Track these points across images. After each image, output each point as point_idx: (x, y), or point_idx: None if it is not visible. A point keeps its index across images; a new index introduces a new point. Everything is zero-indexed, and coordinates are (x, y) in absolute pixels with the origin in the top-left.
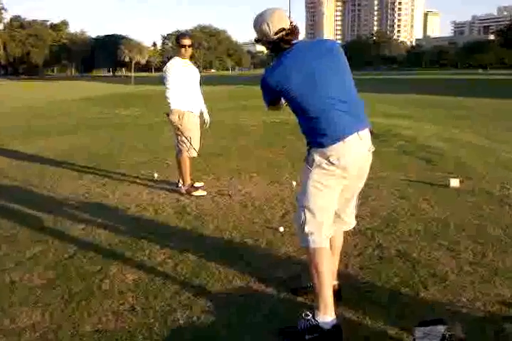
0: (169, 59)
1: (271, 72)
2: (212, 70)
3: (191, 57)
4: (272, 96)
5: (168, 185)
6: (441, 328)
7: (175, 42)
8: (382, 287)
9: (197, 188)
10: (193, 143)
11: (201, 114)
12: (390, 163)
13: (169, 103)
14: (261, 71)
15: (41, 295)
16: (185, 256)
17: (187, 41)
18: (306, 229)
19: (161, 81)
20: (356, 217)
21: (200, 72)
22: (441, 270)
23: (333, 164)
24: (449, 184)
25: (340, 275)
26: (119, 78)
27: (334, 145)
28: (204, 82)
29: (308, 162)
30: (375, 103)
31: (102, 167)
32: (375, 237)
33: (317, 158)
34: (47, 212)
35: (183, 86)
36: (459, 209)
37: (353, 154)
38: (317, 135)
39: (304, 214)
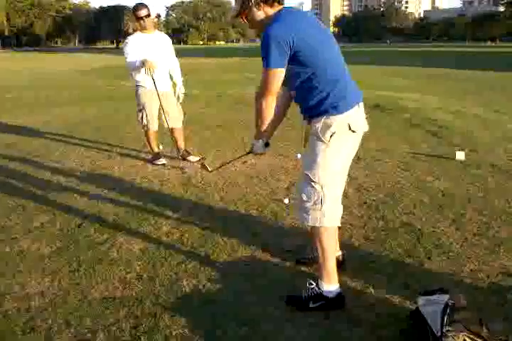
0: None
1: (281, 24)
2: (221, 42)
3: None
4: (283, 50)
5: (173, 156)
6: (444, 297)
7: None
8: (387, 257)
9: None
10: (145, 117)
11: (175, 86)
12: (395, 135)
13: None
14: None
15: (49, 263)
16: (190, 227)
17: (143, 12)
18: (324, 207)
19: None
20: (361, 188)
21: (204, 44)
22: (445, 241)
23: (353, 131)
24: (454, 157)
25: (345, 246)
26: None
27: (352, 110)
28: (208, 54)
29: (323, 134)
30: (382, 75)
31: (107, 139)
32: (380, 209)
33: (335, 127)
34: (54, 182)
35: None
36: (465, 182)
37: (364, 121)
38: (336, 99)
39: (322, 191)
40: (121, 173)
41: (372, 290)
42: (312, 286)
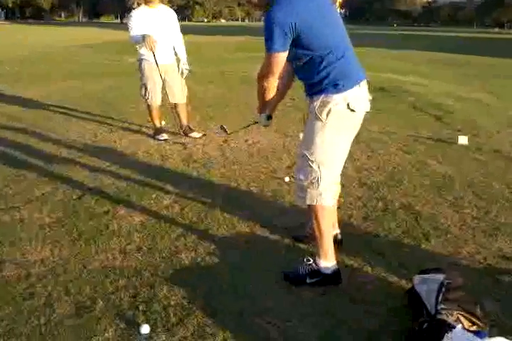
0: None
1: (282, 7)
2: (223, 20)
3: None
4: (285, 34)
5: (175, 132)
6: (440, 276)
7: None
8: (385, 237)
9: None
10: (148, 91)
11: (179, 61)
12: (399, 118)
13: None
14: None
15: (50, 233)
16: (191, 201)
17: None
18: (321, 186)
19: None
20: (362, 170)
21: (209, 21)
22: (444, 223)
23: (352, 111)
24: (457, 141)
25: (343, 225)
26: (126, 25)
27: (353, 90)
28: (213, 32)
29: (320, 112)
30: (387, 59)
31: (109, 113)
32: (380, 190)
33: (334, 105)
34: (55, 154)
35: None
36: (466, 166)
37: (365, 100)
38: (337, 78)
39: (319, 170)
40: (122, 147)
41: (370, 269)
42: (309, 262)
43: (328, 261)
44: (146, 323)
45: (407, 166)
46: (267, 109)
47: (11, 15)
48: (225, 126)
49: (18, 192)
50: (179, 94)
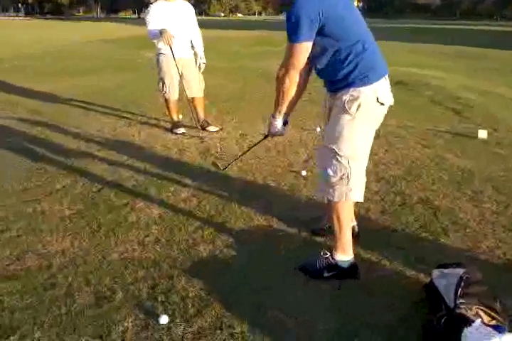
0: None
1: None
2: (240, 15)
3: None
4: (311, 22)
5: (192, 126)
6: (459, 270)
7: None
8: (402, 231)
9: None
10: (166, 85)
11: (196, 55)
12: (417, 112)
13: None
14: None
15: (70, 224)
16: (208, 195)
17: None
18: (351, 182)
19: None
20: (380, 164)
21: (225, 16)
22: (462, 218)
23: (382, 104)
24: (476, 135)
25: (361, 219)
26: (144, 20)
27: (379, 82)
28: (230, 26)
29: (350, 106)
30: (406, 53)
31: (127, 107)
32: (398, 184)
33: (362, 99)
34: (75, 148)
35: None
36: (485, 161)
37: (390, 94)
38: (364, 71)
39: (349, 165)
40: (141, 141)
41: (387, 263)
42: (326, 256)
43: (345, 254)
44: (165, 314)
45: (426, 160)
46: (284, 112)
47: (30, 11)
48: (217, 163)
49: (39, 185)
50: (196, 88)
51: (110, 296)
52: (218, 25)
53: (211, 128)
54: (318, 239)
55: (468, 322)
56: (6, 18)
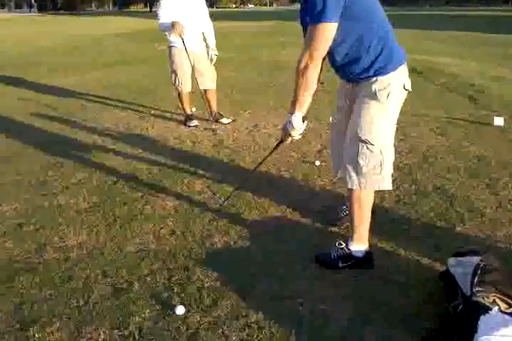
0: None
1: None
2: (252, 5)
3: None
4: (337, 4)
5: (205, 118)
6: (475, 258)
7: None
8: (418, 220)
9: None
10: (178, 78)
11: (208, 47)
12: (432, 100)
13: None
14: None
15: (86, 218)
16: (222, 186)
17: None
18: (384, 170)
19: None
20: (394, 152)
21: (237, 7)
22: (479, 206)
23: (406, 90)
24: (492, 122)
25: (376, 208)
26: (155, 13)
27: (402, 67)
28: (241, 17)
29: (381, 94)
30: (420, 40)
31: (141, 101)
32: (413, 173)
33: (392, 86)
34: (90, 141)
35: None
36: (502, 148)
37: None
38: (389, 57)
39: (382, 154)
40: (154, 134)
41: (403, 252)
42: (342, 246)
43: (361, 244)
44: (181, 304)
45: (441, 148)
46: (303, 106)
47: (43, 7)
48: (217, 196)
49: (55, 179)
50: (209, 81)
51: (127, 288)
52: (229, 17)
53: (224, 120)
54: (333, 228)
55: (485, 310)
56: (20, 14)
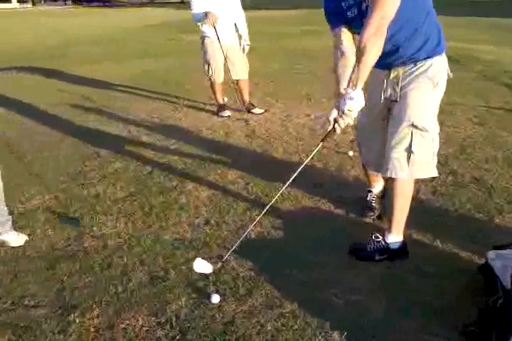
0: None
1: None
2: None
3: None
4: None
5: (238, 108)
6: None
7: None
8: (455, 212)
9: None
10: (211, 68)
11: (240, 37)
12: (468, 88)
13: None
14: None
15: (123, 207)
16: (255, 176)
17: None
18: (435, 157)
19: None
20: None
21: None
22: None
23: (448, 76)
24: None
25: (412, 200)
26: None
27: (444, 53)
28: (269, 6)
29: (435, 78)
30: (453, 27)
31: (173, 91)
32: (449, 163)
33: (443, 69)
34: (125, 132)
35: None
36: None
37: None
38: (440, 36)
39: (433, 141)
40: (187, 124)
41: (439, 244)
42: (378, 239)
43: (398, 235)
44: (216, 293)
45: (478, 138)
46: (363, 82)
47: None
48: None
49: (93, 169)
50: (241, 71)
51: (164, 276)
52: (258, 5)
53: (256, 111)
54: (367, 220)
55: None
56: (54, 7)
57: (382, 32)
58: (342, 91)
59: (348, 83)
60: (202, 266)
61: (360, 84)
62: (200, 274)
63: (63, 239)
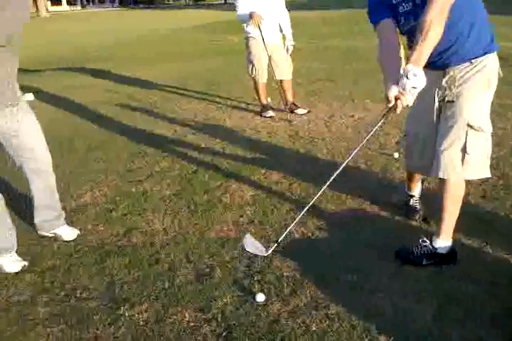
0: None
1: None
2: None
3: None
4: None
5: (281, 109)
6: None
7: None
8: (506, 216)
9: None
10: (255, 68)
11: (285, 38)
12: None
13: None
14: None
15: (170, 204)
16: (299, 177)
17: None
18: (489, 157)
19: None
20: None
21: None
22: None
23: (498, 74)
24: None
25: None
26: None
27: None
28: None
29: (492, 76)
30: (500, 26)
31: (217, 92)
32: (500, 167)
33: (495, 68)
34: (171, 131)
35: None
36: None
37: None
38: (492, 34)
39: (487, 141)
40: (231, 125)
41: (490, 250)
42: (425, 244)
43: (447, 240)
44: (261, 292)
45: None
46: (424, 61)
47: (124, 2)
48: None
49: (140, 167)
50: (285, 71)
51: (209, 273)
52: (300, 6)
53: (299, 111)
54: (413, 223)
55: None
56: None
57: (446, 15)
58: (400, 71)
59: (407, 61)
60: (254, 246)
61: (422, 63)
62: (246, 275)
63: (113, 235)
